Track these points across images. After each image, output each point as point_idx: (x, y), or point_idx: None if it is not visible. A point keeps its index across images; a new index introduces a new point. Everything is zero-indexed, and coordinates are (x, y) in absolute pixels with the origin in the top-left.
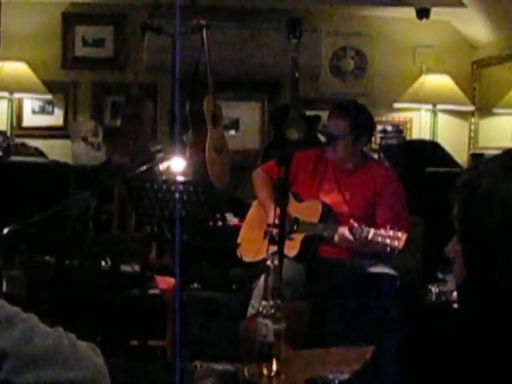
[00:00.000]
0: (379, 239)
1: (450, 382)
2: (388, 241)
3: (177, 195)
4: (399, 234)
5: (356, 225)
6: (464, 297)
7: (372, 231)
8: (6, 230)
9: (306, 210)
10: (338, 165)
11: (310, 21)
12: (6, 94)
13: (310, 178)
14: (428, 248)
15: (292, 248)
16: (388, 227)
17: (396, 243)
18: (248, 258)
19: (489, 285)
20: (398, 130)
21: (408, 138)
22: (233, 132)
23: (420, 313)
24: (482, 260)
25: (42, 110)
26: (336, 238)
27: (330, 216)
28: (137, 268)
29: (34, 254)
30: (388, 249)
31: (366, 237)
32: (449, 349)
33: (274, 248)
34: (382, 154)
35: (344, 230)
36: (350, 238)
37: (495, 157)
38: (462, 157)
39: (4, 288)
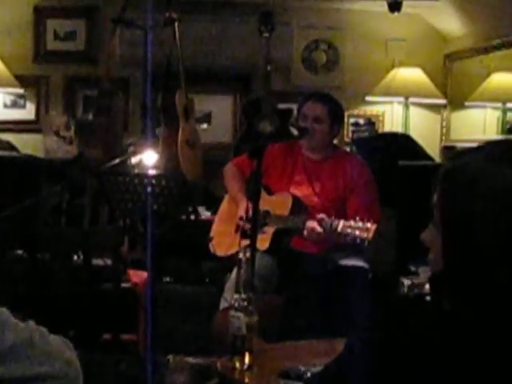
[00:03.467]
0: (349, 231)
1: (422, 374)
2: (357, 232)
3: (149, 189)
4: (368, 224)
5: (325, 217)
6: (438, 286)
7: (341, 223)
8: None
9: (276, 203)
10: (309, 156)
11: (281, 14)
12: None
13: (281, 171)
14: (400, 241)
15: (263, 241)
16: (357, 218)
17: (365, 234)
18: (220, 252)
19: (467, 275)
20: (370, 123)
21: (380, 131)
22: (205, 125)
23: (392, 305)
24: (462, 249)
25: (14, 104)
26: (305, 231)
27: (300, 208)
28: (109, 262)
29: (6, 249)
30: (358, 240)
31: (336, 229)
32: (421, 340)
33: (245, 242)
34: (354, 147)
35: (313, 223)
36: (319, 230)
37: (480, 147)
38: (434, 150)
39: None
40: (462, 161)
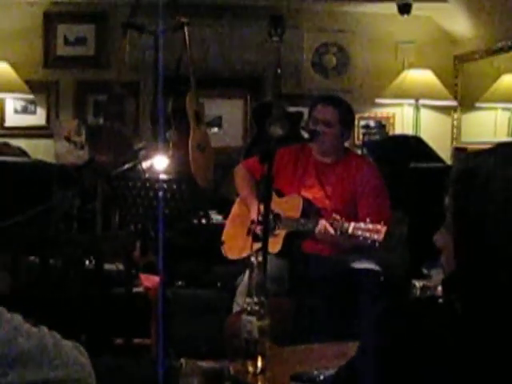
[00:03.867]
0: (359, 232)
1: (435, 376)
2: (368, 234)
3: (160, 193)
4: (378, 226)
5: (336, 219)
6: (450, 288)
7: (352, 225)
8: None
9: (287, 206)
10: (320, 160)
11: (291, 17)
12: None
13: (292, 174)
14: (412, 243)
15: (275, 244)
16: (368, 220)
17: (376, 236)
18: (232, 255)
19: (480, 277)
20: (381, 125)
21: (391, 133)
22: (215, 129)
23: (405, 307)
24: (475, 251)
25: (25, 110)
26: (317, 232)
27: (311, 210)
28: (121, 266)
29: (19, 254)
30: (368, 241)
31: (347, 231)
32: (434, 342)
33: (257, 245)
34: (364, 150)
35: (325, 224)
36: (331, 231)
37: (491, 148)
38: (444, 152)
39: None
40: (474, 163)
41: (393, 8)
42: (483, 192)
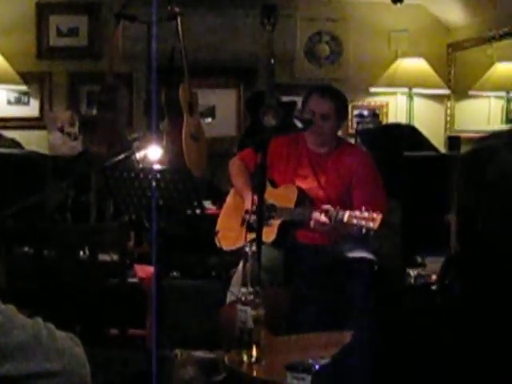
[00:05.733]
0: (354, 221)
1: (429, 364)
2: (363, 222)
3: (153, 183)
4: (374, 214)
5: (331, 208)
6: (449, 270)
7: (347, 213)
8: None
9: (281, 196)
10: (313, 150)
11: (284, 6)
12: None
13: (286, 164)
14: (406, 232)
15: (269, 234)
16: (363, 209)
17: (371, 224)
18: (226, 245)
19: (478, 261)
20: (375, 114)
21: (384, 122)
22: (209, 119)
23: (398, 296)
24: (473, 236)
25: (18, 101)
26: (311, 222)
27: (305, 200)
28: (115, 257)
29: (13, 245)
30: (364, 230)
31: (342, 219)
32: (427, 334)
33: (251, 235)
34: (358, 139)
35: (319, 214)
36: (326, 220)
37: (498, 133)
38: (438, 140)
39: None
40: (478, 147)
41: None
42: (480, 178)
